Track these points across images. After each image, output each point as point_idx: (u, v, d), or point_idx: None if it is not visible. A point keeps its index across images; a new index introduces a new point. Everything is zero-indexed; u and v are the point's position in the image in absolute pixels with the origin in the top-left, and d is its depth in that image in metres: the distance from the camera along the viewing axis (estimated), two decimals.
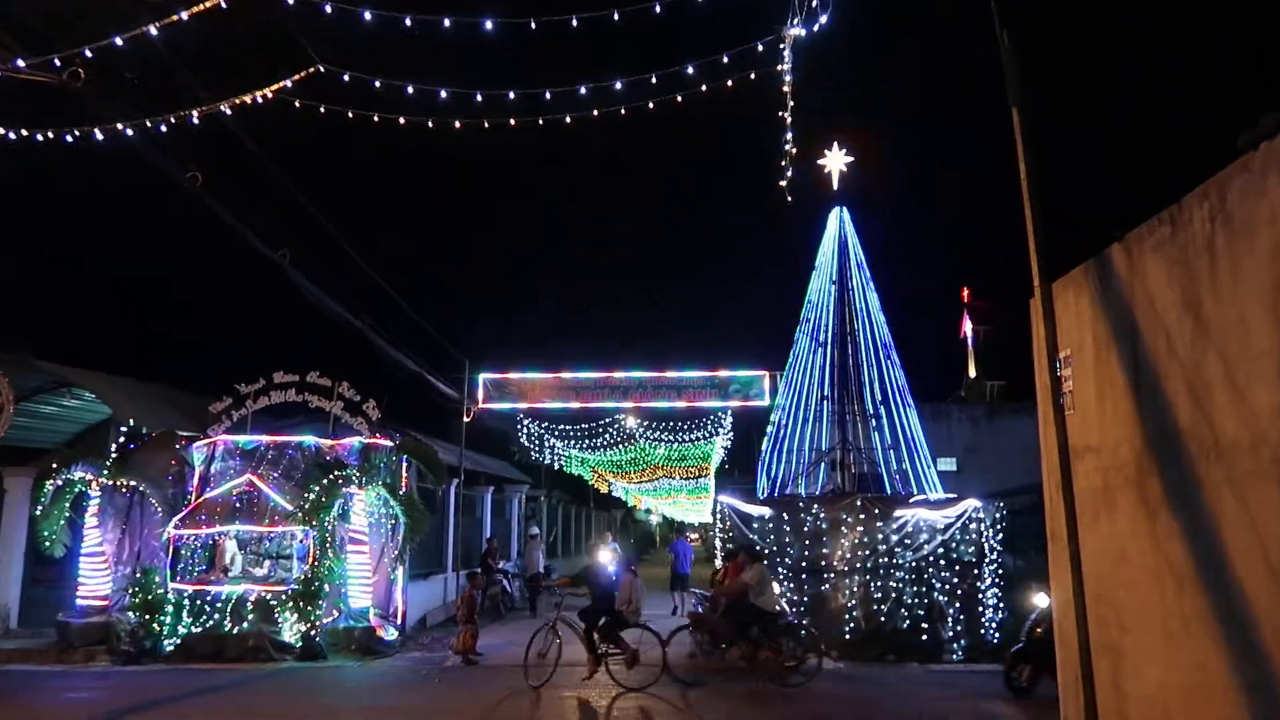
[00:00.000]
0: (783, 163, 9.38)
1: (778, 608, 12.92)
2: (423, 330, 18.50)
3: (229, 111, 7.95)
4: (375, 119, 8.54)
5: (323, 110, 8.40)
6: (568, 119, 8.48)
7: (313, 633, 14.06)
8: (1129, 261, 4.73)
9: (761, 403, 19.90)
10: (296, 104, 8.25)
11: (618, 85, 7.99)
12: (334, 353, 18.86)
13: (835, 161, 17.65)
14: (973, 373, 46.00)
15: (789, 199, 9.60)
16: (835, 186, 17.75)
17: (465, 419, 20.43)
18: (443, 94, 8.09)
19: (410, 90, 8.05)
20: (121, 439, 15.61)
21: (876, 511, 14.79)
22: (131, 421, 15.71)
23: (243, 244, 11.57)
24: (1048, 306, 5.03)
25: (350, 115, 8.46)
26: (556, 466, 27.37)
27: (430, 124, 8.68)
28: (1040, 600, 12.29)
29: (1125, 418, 4.77)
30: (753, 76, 8.38)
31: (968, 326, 46.55)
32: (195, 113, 8.02)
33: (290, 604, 14.17)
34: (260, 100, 8.00)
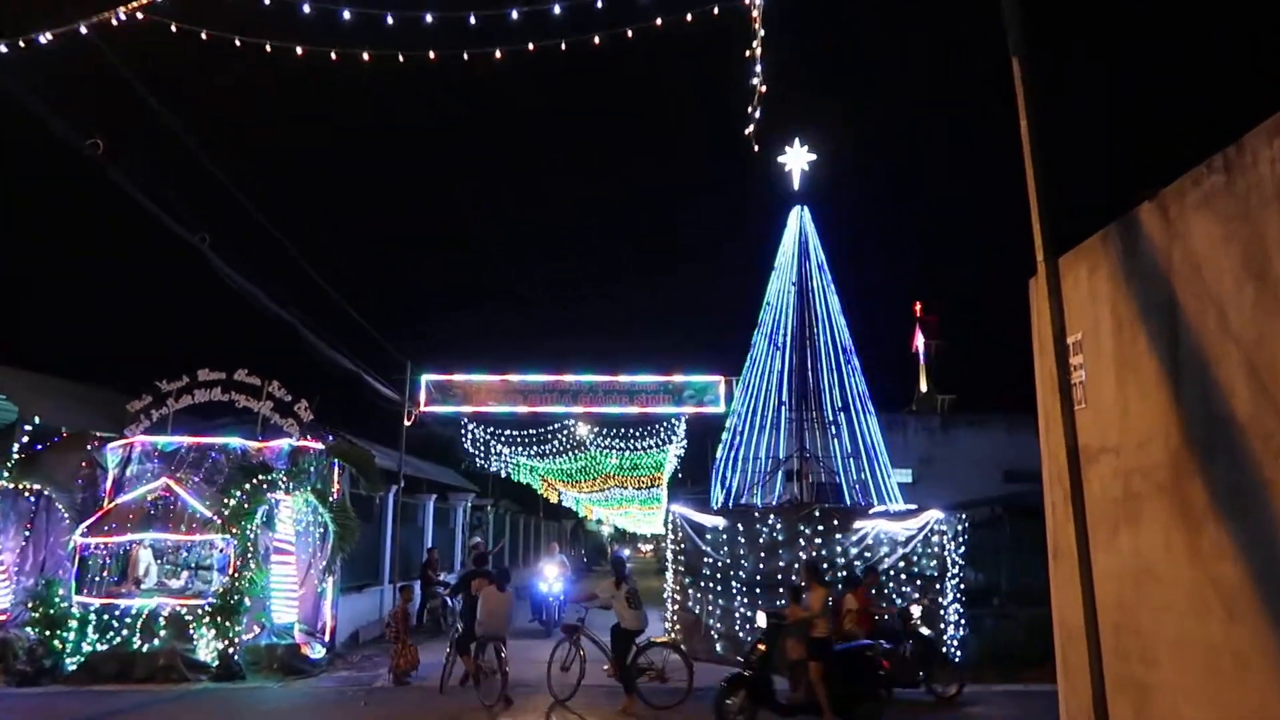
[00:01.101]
0: (750, 107, 8.59)
1: (925, 631, 12.21)
2: (362, 329, 17.49)
3: (86, 31, 6.90)
4: (268, 49, 7.51)
5: (205, 36, 7.32)
6: (497, 54, 7.53)
7: (231, 651, 12.99)
8: (1165, 222, 4.00)
9: (717, 409, 19.16)
10: (174, 28, 7.21)
11: (556, 9, 7.02)
12: (265, 350, 17.79)
13: (797, 159, 17.03)
14: (924, 387, 46.18)
15: (755, 148, 8.82)
16: (796, 185, 17.12)
17: (406, 422, 19.41)
18: (345, 15, 7.10)
19: (307, 9, 7.05)
20: (26, 438, 14.40)
21: (835, 523, 14.13)
22: (37, 419, 14.50)
23: (159, 225, 10.54)
24: (1053, 282, 4.31)
25: (238, 43, 7.41)
26: (504, 475, 26.38)
27: (334, 56, 7.68)
28: (760, 619, 11.18)
29: (1156, 411, 4.03)
30: (716, 11, 7.54)
31: (919, 341, 46.74)
32: (48, 34, 6.95)
33: (207, 619, 13.09)
34: (125, 18, 6.95)
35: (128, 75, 8.13)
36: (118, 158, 9.07)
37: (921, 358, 46.83)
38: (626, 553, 19.39)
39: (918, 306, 47.93)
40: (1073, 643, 4.52)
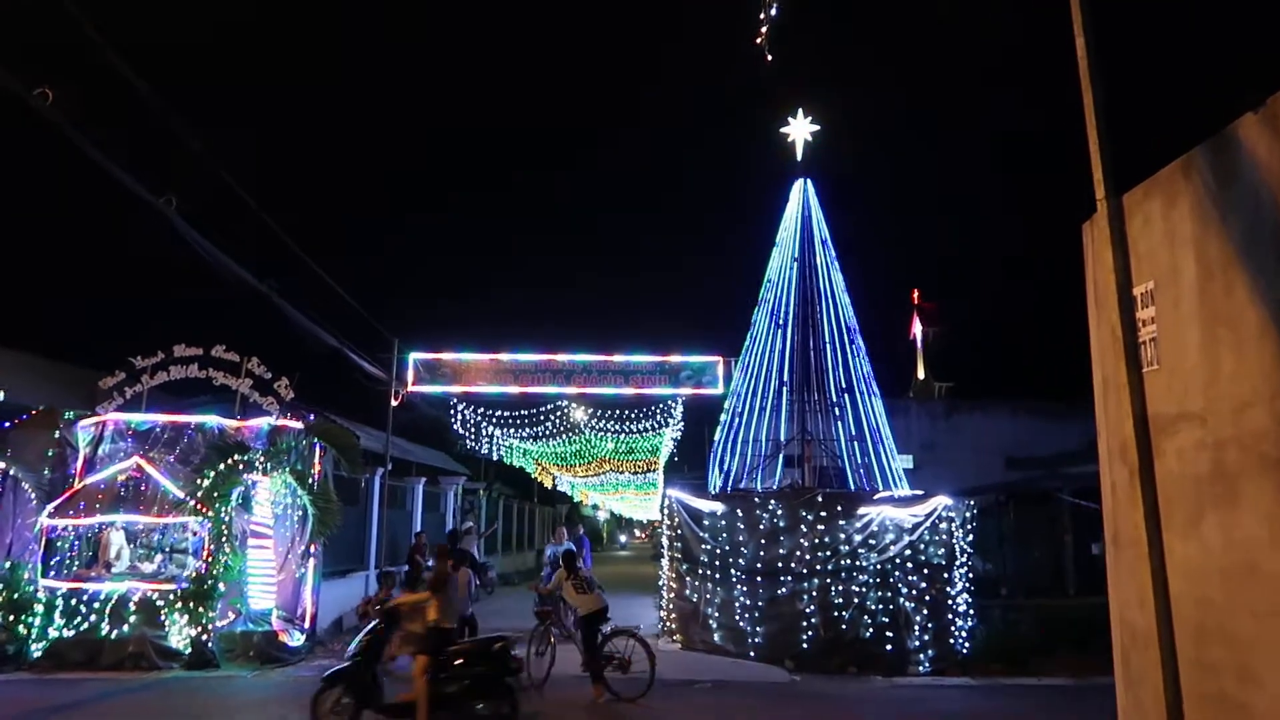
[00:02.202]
0: (762, 11, 7.91)
1: None
2: (347, 305, 16.74)
3: None
4: None
5: None
6: None
7: (204, 638, 12.40)
8: (1275, 136, 3.33)
9: (715, 390, 18.50)
10: None
11: None
12: (245, 325, 17.08)
13: (800, 130, 16.34)
14: (921, 374, 45.99)
15: (769, 58, 8.15)
16: (799, 157, 16.42)
17: (394, 402, 18.73)
18: None
19: None
20: None
21: (839, 509, 13.52)
22: (3, 396, 13.85)
23: (120, 188, 9.82)
24: (1116, 224, 3.65)
25: None
26: (496, 457, 25.75)
27: None
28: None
29: (1260, 368, 3.32)
30: None
31: (917, 328, 46.52)
32: None
33: (179, 605, 12.49)
34: None
35: (74, 11, 7.45)
36: (71, 111, 8.37)
37: (919, 345, 46.56)
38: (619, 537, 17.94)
39: (915, 294, 47.54)
40: (1138, 648, 3.84)
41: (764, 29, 8.03)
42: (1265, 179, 3.32)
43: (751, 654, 13.26)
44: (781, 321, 15.93)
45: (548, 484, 36.91)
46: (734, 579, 13.62)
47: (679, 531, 14.81)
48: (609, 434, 23.14)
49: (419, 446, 24.81)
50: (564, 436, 23.41)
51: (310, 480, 13.79)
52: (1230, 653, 3.43)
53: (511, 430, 22.35)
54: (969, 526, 14.21)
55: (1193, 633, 3.56)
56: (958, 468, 26.40)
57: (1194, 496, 3.65)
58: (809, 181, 16.67)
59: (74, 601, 12.57)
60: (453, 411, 20.50)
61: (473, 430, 21.47)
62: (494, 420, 21.48)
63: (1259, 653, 3.30)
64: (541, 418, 21.84)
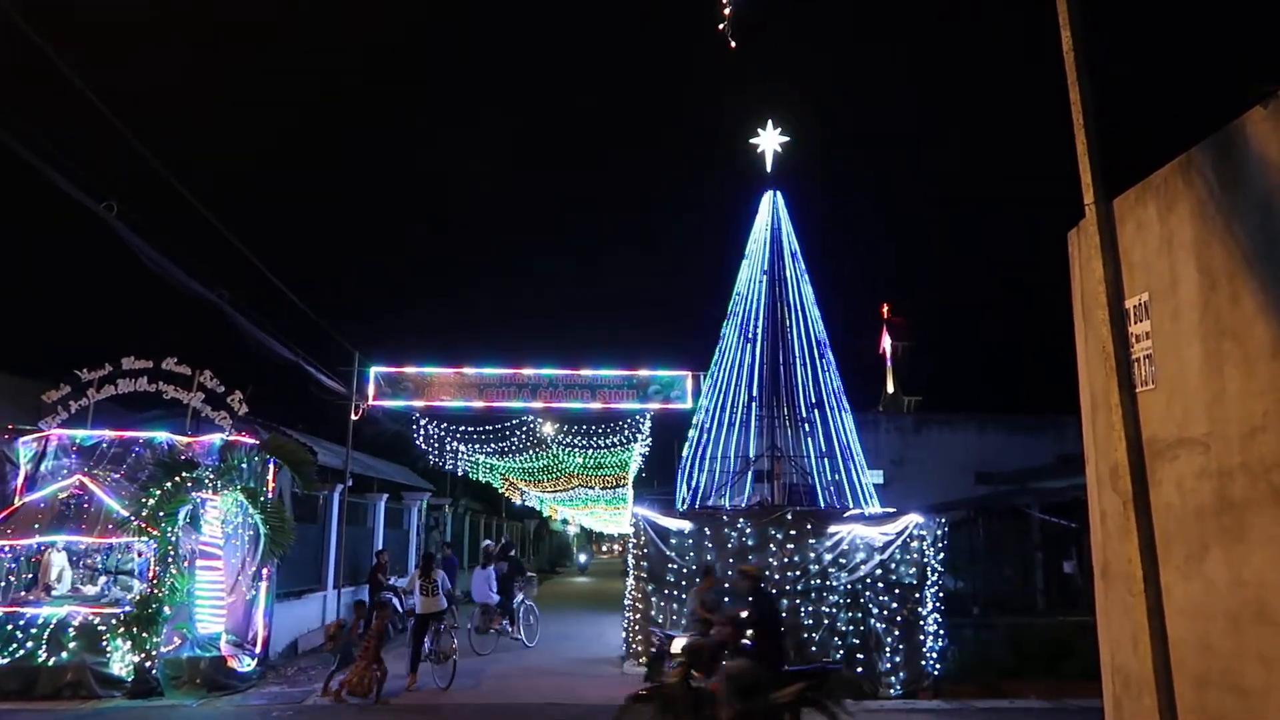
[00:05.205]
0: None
1: None
2: (305, 316, 16.24)
3: None
4: None
5: None
6: None
7: (148, 664, 11.82)
8: None
9: (683, 405, 18.19)
10: None
11: None
12: (200, 338, 16.57)
13: (769, 141, 16.12)
14: (890, 388, 46.08)
15: (732, 45, 7.87)
16: (769, 168, 16.20)
17: (354, 416, 18.23)
18: None
19: None
20: None
21: (808, 527, 13.20)
22: None
23: (58, 192, 9.35)
24: (1107, 230, 3.34)
25: None
26: (461, 473, 25.25)
27: None
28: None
29: (1271, 388, 2.98)
30: None
31: (886, 342, 46.65)
32: None
33: (122, 630, 11.91)
34: None
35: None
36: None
37: (888, 359, 46.68)
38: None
39: (885, 308, 47.68)
40: (1131, 695, 3.52)
41: (726, 10, 7.74)
42: (1275, 179, 3.01)
43: None
44: (751, 335, 15.65)
45: (516, 500, 36.41)
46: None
47: (645, 550, 14.42)
48: (577, 449, 22.77)
49: (381, 462, 24.27)
50: (531, 452, 23.00)
51: (262, 498, 13.28)
52: (1238, 703, 3.10)
53: (477, 445, 21.91)
54: (940, 545, 13.96)
55: (1193, 680, 3.24)
56: (927, 483, 26.33)
57: (1196, 530, 3.34)
58: (778, 193, 16.45)
59: (10, 627, 11.97)
60: (416, 426, 20.04)
61: (437, 445, 21.01)
62: (459, 435, 21.03)
63: (1272, 703, 2.97)
64: (507, 433, 21.42)
